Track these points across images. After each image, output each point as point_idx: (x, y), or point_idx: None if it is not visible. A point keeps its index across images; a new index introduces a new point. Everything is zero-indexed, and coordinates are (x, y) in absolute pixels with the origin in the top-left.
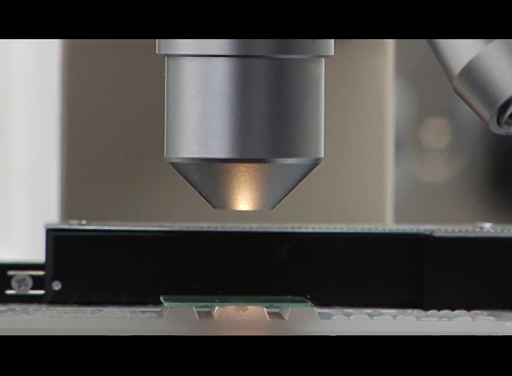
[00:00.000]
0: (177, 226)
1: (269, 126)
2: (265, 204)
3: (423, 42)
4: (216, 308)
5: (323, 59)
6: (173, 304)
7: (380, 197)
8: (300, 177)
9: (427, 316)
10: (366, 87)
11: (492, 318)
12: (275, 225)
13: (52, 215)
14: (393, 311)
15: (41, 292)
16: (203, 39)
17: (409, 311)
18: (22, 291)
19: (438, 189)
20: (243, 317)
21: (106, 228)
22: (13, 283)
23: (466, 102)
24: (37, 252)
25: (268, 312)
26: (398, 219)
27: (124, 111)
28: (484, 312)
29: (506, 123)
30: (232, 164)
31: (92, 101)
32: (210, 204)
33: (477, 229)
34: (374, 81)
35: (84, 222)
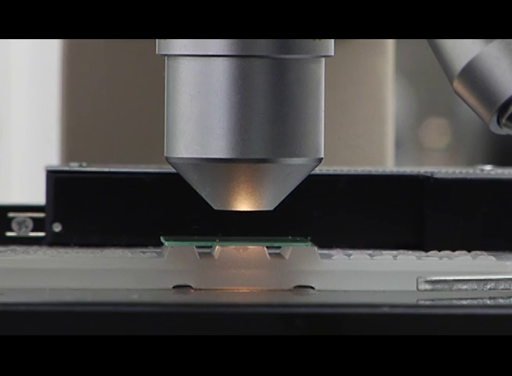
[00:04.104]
0: None
1: (269, 126)
2: (265, 204)
3: (423, 42)
4: (217, 247)
5: (323, 59)
6: (173, 243)
7: None
8: (300, 177)
9: (428, 256)
10: (366, 87)
11: (492, 258)
12: None
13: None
14: (393, 252)
15: (41, 234)
16: (203, 39)
17: (410, 252)
18: (22, 233)
19: None
20: (244, 256)
21: (107, 170)
22: (14, 225)
23: (466, 102)
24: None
25: (268, 253)
26: None
27: (124, 111)
28: (485, 253)
29: (506, 125)
30: (233, 164)
31: (92, 99)
32: (211, 204)
33: (478, 171)
34: (374, 81)
35: (84, 164)
